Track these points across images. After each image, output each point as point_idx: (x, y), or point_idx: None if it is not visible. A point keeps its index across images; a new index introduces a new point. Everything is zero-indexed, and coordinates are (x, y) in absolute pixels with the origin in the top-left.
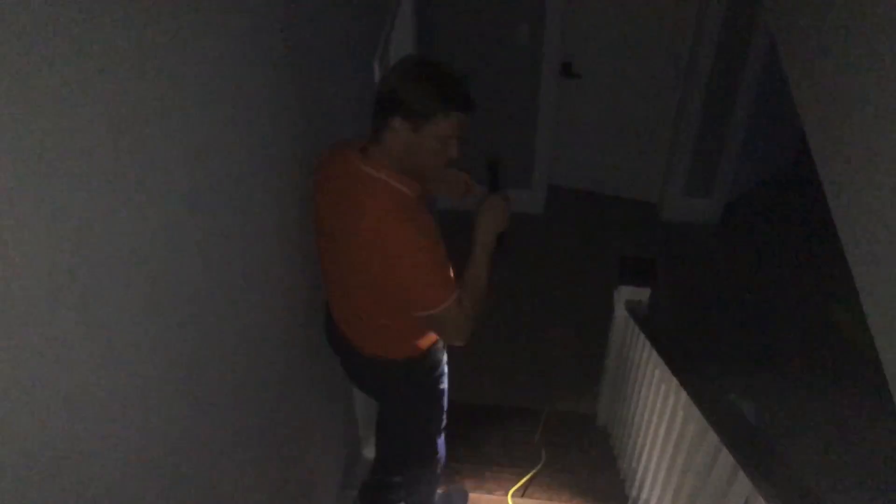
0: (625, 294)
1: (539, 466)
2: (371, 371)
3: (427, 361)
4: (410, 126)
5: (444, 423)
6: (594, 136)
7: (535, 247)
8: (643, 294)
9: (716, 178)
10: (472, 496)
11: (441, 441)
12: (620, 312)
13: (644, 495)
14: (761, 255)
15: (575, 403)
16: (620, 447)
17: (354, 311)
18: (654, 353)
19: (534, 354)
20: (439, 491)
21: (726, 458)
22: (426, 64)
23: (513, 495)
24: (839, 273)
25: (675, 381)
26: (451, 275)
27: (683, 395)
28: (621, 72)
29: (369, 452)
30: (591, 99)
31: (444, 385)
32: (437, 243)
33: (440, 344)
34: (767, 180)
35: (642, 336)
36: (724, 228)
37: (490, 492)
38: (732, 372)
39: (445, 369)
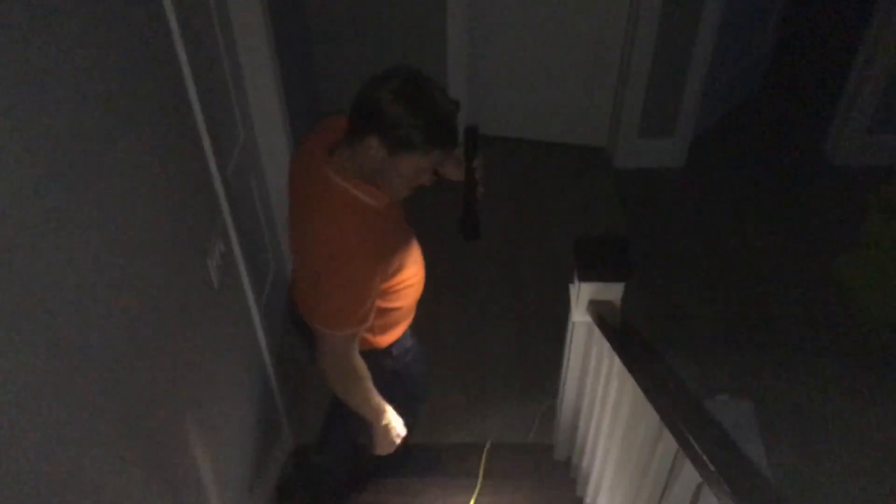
0: (587, 293)
1: None
2: None
3: (388, 360)
4: (387, 150)
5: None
6: (521, 65)
7: (453, 218)
8: (614, 291)
9: (678, 112)
10: None
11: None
12: (581, 318)
13: None
14: (739, 202)
15: (523, 432)
16: (587, 488)
17: (312, 302)
18: (632, 381)
19: (465, 363)
20: None
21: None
22: (420, 89)
23: None
24: (836, 217)
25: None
26: (364, 312)
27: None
28: None
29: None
30: (515, 14)
31: (408, 374)
32: (374, 270)
33: (404, 344)
34: (736, 109)
35: (616, 357)
36: (692, 172)
37: None
38: (720, 357)
39: (409, 364)
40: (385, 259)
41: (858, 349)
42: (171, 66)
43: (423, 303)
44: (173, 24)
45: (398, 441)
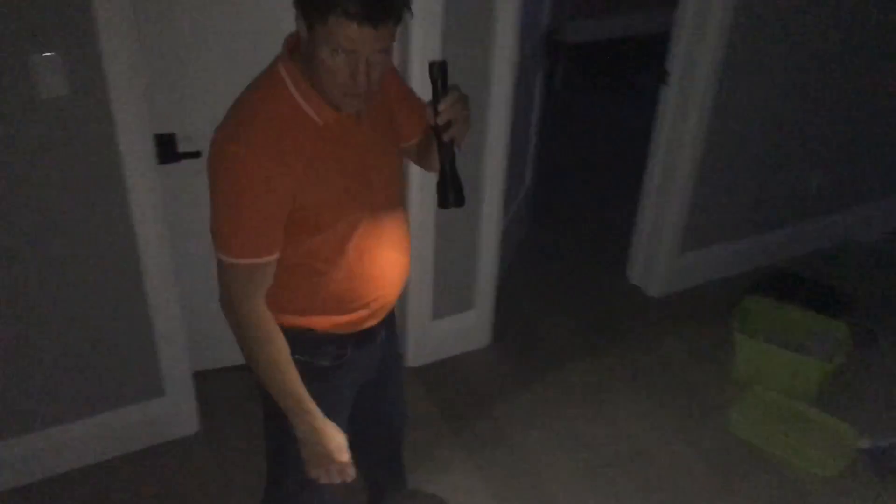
0: None
1: None
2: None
3: (298, 352)
4: (304, 24)
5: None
6: None
7: (484, 413)
8: None
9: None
10: None
11: None
12: None
13: None
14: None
15: None
16: None
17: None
18: None
19: None
20: None
21: None
22: None
23: None
24: None
25: None
26: (257, 239)
27: None
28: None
29: None
30: None
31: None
32: (273, 185)
33: (329, 350)
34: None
35: None
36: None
37: None
38: None
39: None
40: (298, 179)
41: None
42: None
43: None
44: None
45: (332, 466)
